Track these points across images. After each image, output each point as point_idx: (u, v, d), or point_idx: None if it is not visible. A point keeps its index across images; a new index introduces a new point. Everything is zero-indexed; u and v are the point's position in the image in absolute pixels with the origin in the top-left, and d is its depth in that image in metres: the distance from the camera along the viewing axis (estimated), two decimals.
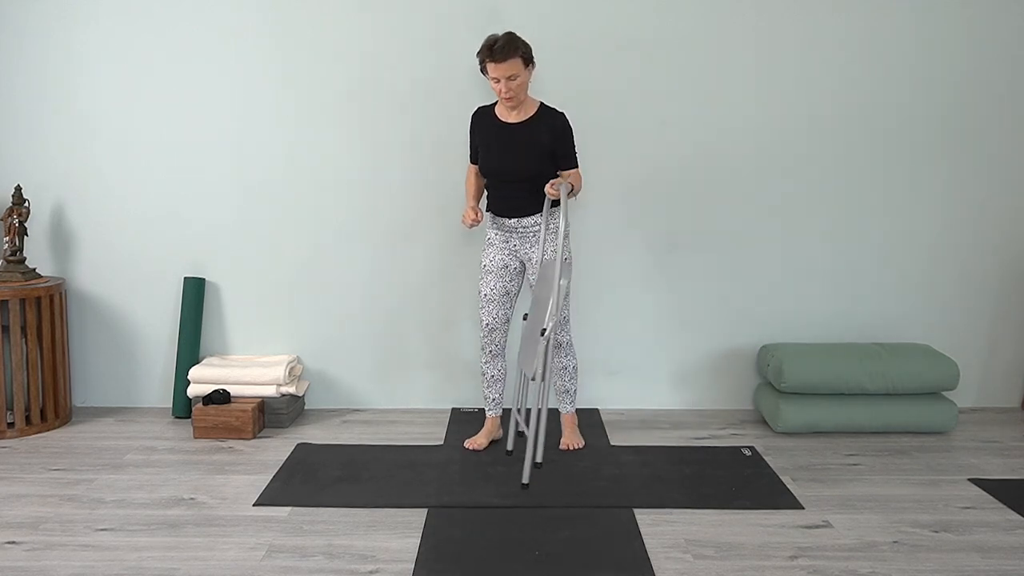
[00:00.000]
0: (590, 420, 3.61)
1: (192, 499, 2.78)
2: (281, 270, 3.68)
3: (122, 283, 3.69)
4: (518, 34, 2.91)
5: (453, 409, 3.77)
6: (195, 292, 3.61)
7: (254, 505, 2.73)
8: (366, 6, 3.49)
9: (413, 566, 2.34)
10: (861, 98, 3.58)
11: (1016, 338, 3.80)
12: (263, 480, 2.94)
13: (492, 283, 3.15)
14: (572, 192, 2.99)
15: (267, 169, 3.61)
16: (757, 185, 3.63)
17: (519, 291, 3.26)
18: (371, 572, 2.30)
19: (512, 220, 3.09)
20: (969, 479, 2.98)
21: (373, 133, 3.58)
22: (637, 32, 3.52)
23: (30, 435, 3.39)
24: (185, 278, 3.63)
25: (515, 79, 2.87)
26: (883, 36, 3.54)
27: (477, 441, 3.27)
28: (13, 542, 2.47)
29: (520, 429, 3.16)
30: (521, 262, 3.18)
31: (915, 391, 3.40)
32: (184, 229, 3.66)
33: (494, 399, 3.31)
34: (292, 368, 3.63)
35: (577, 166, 3.07)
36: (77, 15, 3.49)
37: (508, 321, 3.21)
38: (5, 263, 3.44)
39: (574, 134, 3.13)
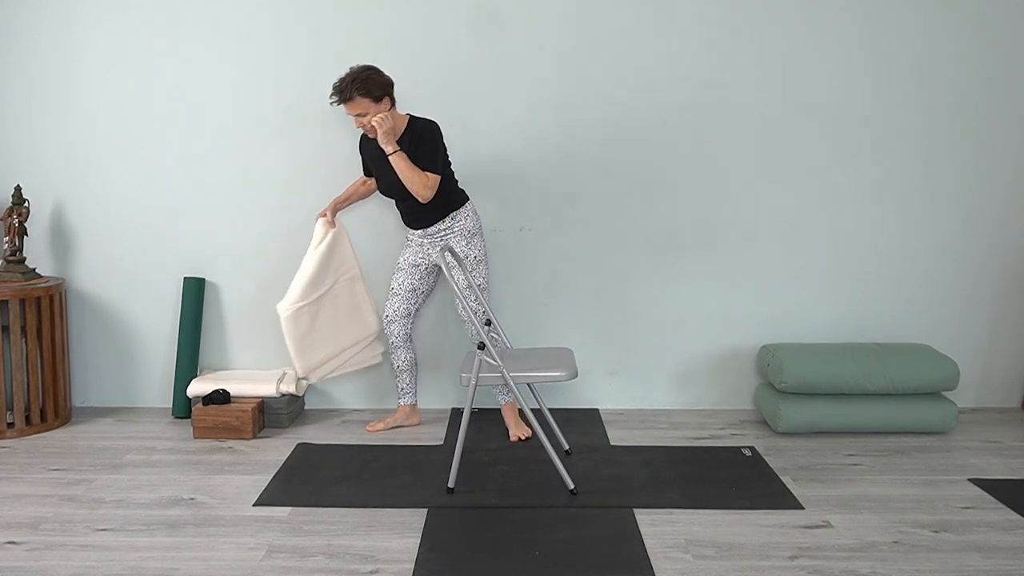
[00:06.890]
0: (590, 420, 3.61)
1: (192, 499, 2.78)
2: (281, 270, 3.68)
3: (122, 283, 3.69)
4: (377, 68, 2.96)
5: (453, 409, 3.77)
6: (195, 292, 3.61)
7: (254, 505, 2.73)
8: (367, 6, 3.49)
9: (413, 566, 2.34)
10: (863, 99, 3.58)
11: (1016, 338, 3.80)
12: (263, 480, 2.94)
13: (401, 279, 3.35)
14: (401, 177, 3.00)
15: (267, 169, 3.61)
16: (758, 185, 3.63)
17: (431, 289, 3.43)
18: (371, 572, 2.30)
19: (418, 231, 3.26)
20: (969, 479, 2.98)
21: None
22: (639, 30, 3.52)
23: (30, 435, 3.39)
24: (185, 278, 3.63)
25: (364, 115, 2.98)
26: (886, 36, 3.54)
27: (376, 426, 3.44)
28: (13, 542, 2.47)
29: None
30: (434, 264, 3.32)
31: (915, 391, 3.40)
32: (184, 229, 3.66)
33: (402, 388, 3.46)
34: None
35: (433, 172, 3.02)
36: (76, 15, 3.49)
37: (410, 315, 3.37)
38: (5, 263, 3.44)
39: (438, 141, 3.06)
